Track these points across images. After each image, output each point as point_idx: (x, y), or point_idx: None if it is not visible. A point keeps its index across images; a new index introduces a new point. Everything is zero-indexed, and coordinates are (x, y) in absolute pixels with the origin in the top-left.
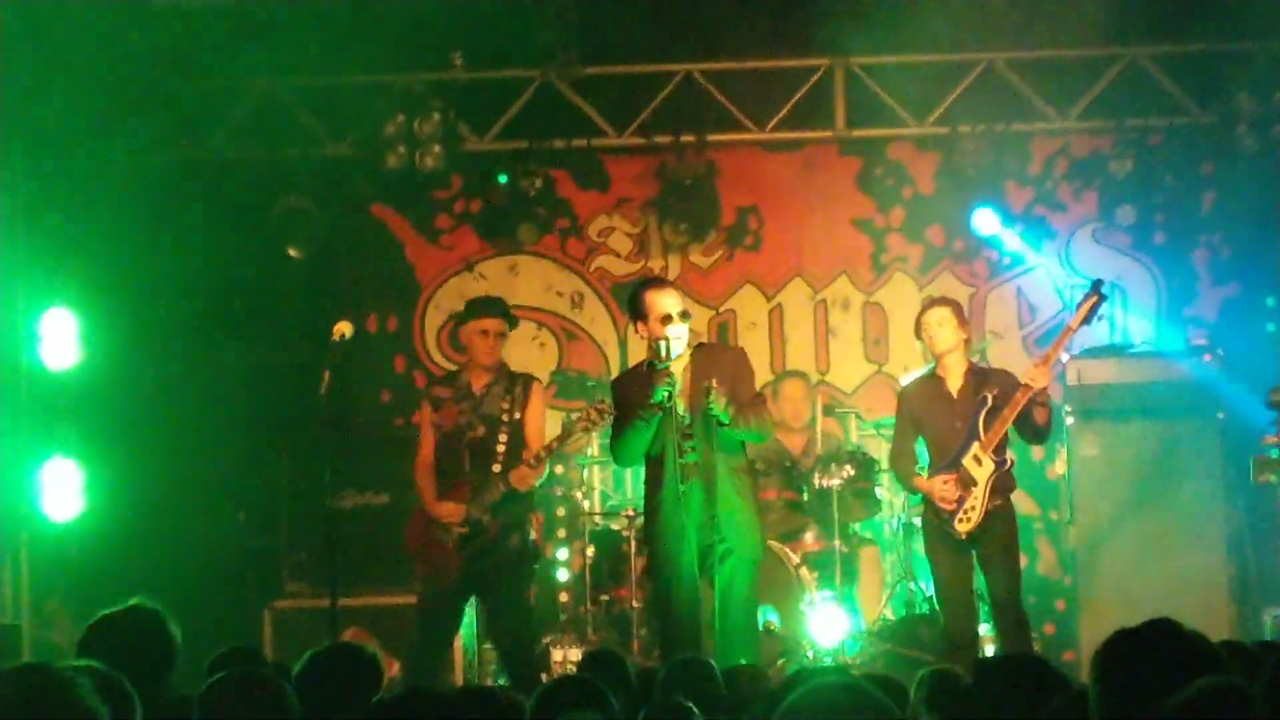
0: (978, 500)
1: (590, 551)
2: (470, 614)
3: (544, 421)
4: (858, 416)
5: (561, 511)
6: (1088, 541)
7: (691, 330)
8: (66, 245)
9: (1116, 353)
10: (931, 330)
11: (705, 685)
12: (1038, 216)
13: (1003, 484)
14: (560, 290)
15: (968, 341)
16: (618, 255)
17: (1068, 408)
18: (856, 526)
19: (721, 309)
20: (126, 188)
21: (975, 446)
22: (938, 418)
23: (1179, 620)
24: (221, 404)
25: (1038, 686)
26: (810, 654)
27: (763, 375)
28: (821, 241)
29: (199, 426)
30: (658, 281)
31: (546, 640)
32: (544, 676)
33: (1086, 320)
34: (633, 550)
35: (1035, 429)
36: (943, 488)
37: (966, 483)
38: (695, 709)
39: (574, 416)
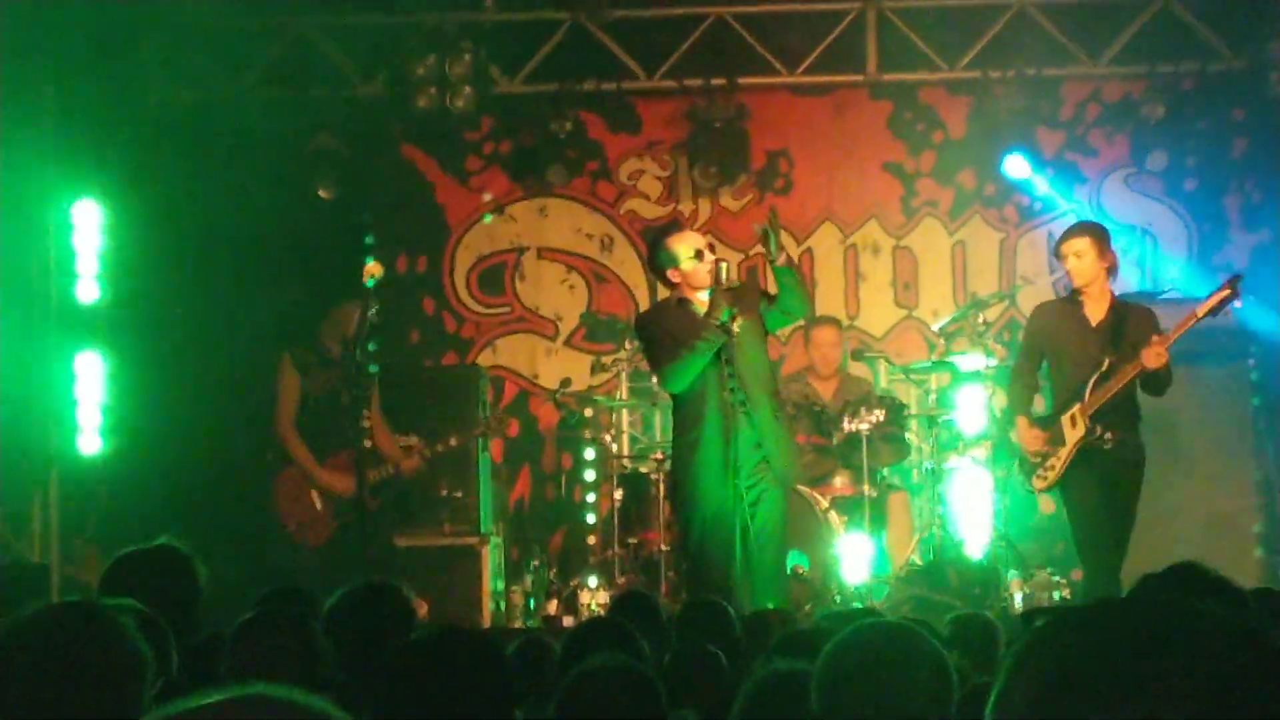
0: (1059, 461)
1: (618, 495)
2: (499, 558)
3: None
4: (887, 361)
5: (590, 454)
6: None
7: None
8: (92, 179)
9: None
10: (1069, 264)
11: (721, 629)
12: (1069, 161)
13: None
14: (590, 233)
15: (1110, 270)
16: (648, 198)
17: None
18: (885, 471)
19: (751, 252)
20: (157, 126)
21: (1076, 407)
22: (1071, 342)
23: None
24: (252, 342)
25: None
26: (838, 597)
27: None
28: (852, 185)
29: (230, 364)
30: (675, 226)
31: (574, 583)
32: (569, 619)
33: (1214, 311)
34: (661, 494)
35: (1154, 389)
36: (1031, 438)
37: (1055, 440)
38: (720, 653)
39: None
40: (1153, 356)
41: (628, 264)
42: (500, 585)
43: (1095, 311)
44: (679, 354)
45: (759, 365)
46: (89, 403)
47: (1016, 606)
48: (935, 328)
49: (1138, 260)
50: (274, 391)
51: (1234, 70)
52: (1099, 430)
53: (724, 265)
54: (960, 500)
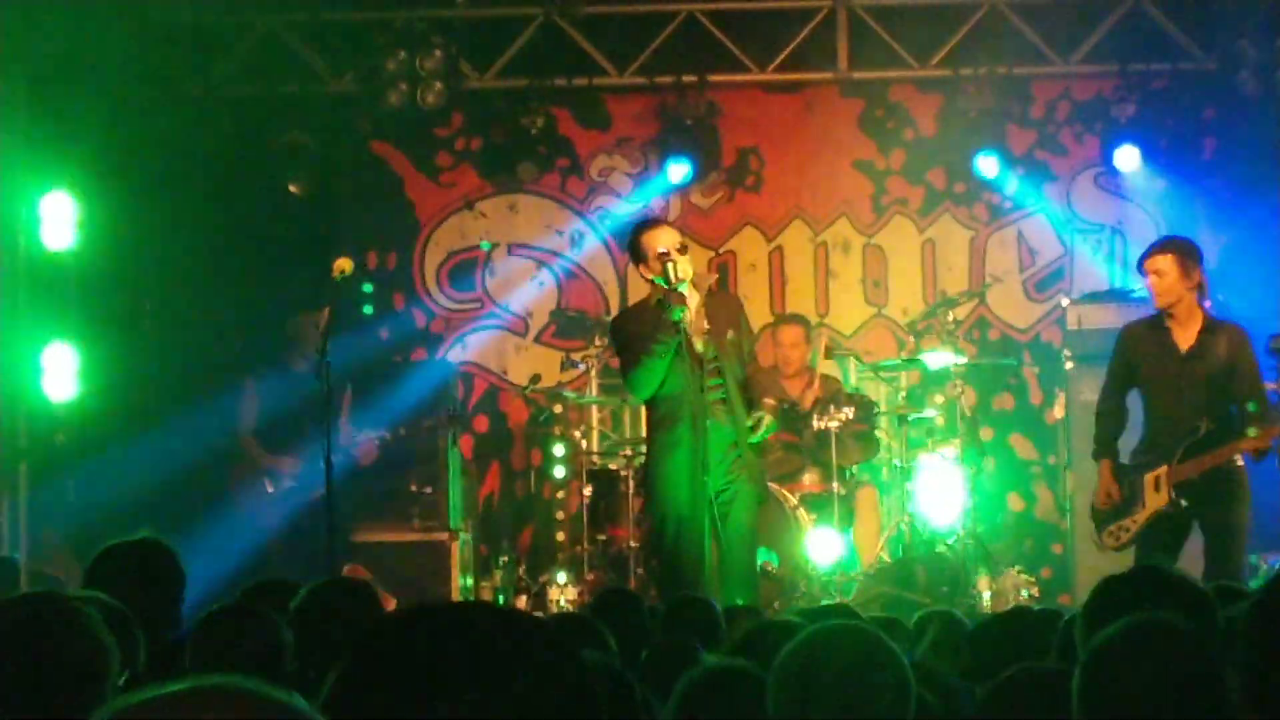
0: (1135, 524)
1: (588, 491)
2: (468, 554)
3: None
4: (857, 359)
5: (560, 450)
6: (1085, 486)
7: (699, 275)
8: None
9: (1117, 298)
10: (1150, 281)
11: (707, 625)
12: (1039, 160)
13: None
14: (560, 229)
15: (1199, 287)
16: (618, 195)
17: (1067, 352)
18: (854, 469)
19: (721, 250)
20: (127, 121)
21: (1163, 469)
22: (1160, 373)
23: (1177, 565)
24: (221, 342)
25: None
26: (806, 595)
27: (762, 317)
28: (822, 183)
29: (200, 367)
30: (652, 221)
31: (543, 579)
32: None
33: None
34: (630, 490)
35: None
36: (1106, 492)
37: (1133, 500)
38: (699, 648)
39: None
40: (1254, 450)
41: (598, 260)
42: (469, 581)
43: (1184, 336)
44: (639, 360)
45: (734, 363)
46: (58, 394)
47: (985, 604)
48: (905, 325)
49: (1106, 259)
50: (237, 405)
51: (1204, 70)
52: (1182, 503)
53: (669, 266)
54: (929, 498)
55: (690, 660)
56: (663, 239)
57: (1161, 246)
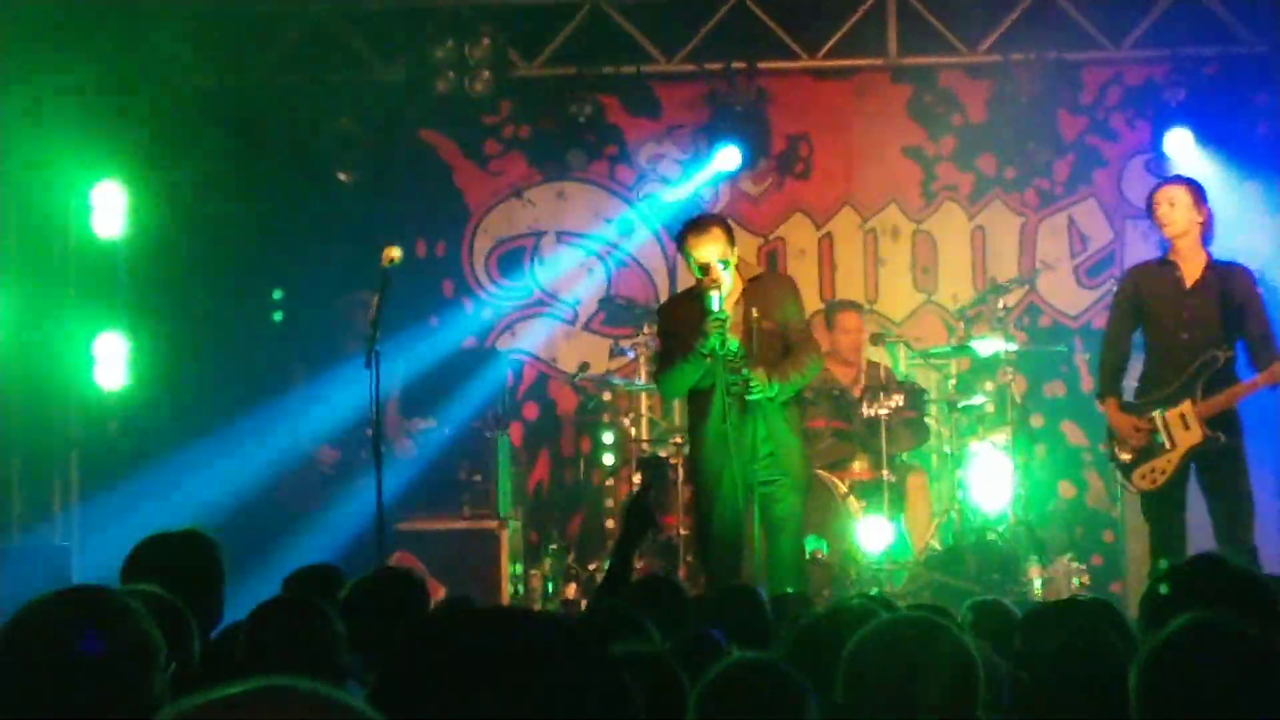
0: (1170, 464)
1: (638, 478)
2: (518, 542)
3: None
4: (906, 345)
5: (609, 438)
6: None
7: (744, 262)
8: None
9: None
10: (1161, 211)
11: (750, 612)
12: (1090, 146)
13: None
14: (609, 217)
15: (1204, 226)
16: (667, 182)
17: None
18: (905, 455)
19: (771, 237)
20: (177, 109)
21: (1187, 405)
22: (1165, 305)
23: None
24: (270, 332)
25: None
26: (856, 584)
27: (812, 304)
28: (871, 169)
29: (247, 358)
30: (697, 225)
31: (592, 566)
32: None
33: None
34: (680, 478)
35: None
36: (1130, 431)
37: (1159, 440)
38: (726, 639)
39: None
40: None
41: (647, 248)
42: (519, 569)
43: (1190, 271)
44: (672, 363)
45: (766, 350)
46: (109, 383)
47: (1036, 592)
48: (955, 311)
49: (1158, 245)
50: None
51: (1256, 54)
52: (1216, 436)
53: (711, 296)
54: (980, 485)
55: (713, 650)
56: (703, 250)
57: (1173, 180)
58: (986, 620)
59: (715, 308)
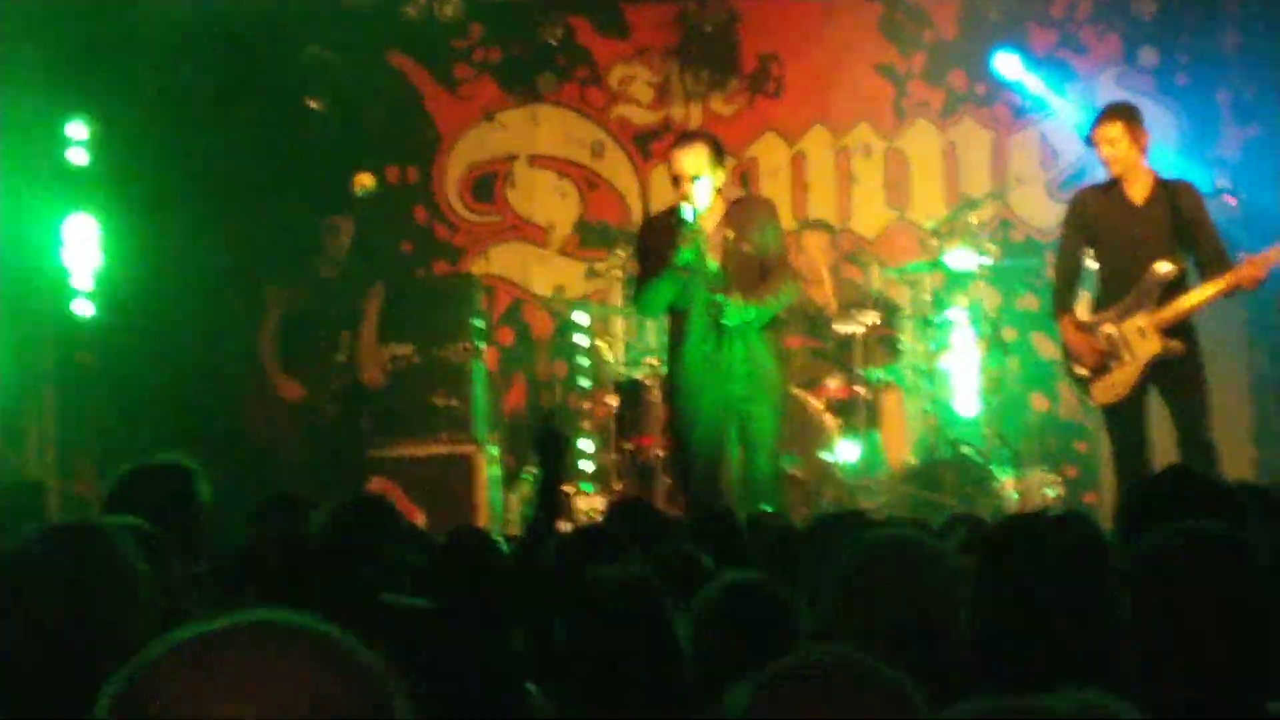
0: (1131, 376)
1: (614, 401)
2: (495, 466)
3: None
4: (880, 263)
5: (584, 361)
6: None
7: (728, 185)
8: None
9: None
10: (1104, 151)
11: (727, 533)
12: (1060, 59)
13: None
14: (581, 140)
15: (1145, 147)
16: (638, 104)
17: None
18: (880, 372)
19: (743, 156)
20: (144, 39)
21: (1143, 317)
22: (1116, 225)
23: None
24: (242, 259)
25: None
26: (833, 500)
27: (785, 223)
28: (843, 88)
29: (220, 284)
30: (682, 139)
31: (571, 490)
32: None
33: None
34: (657, 399)
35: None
36: (1085, 350)
37: (1118, 354)
38: (707, 558)
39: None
40: (1247, 276)
41: (620, 170)
42: (497, 493)
43: (1137, 191)
44: (647, 281)
45: (745, 274)
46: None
47: (1011, 504)
48: (928, 227)
49: None
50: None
51: None
52: (1175, 346)
53: (685, 206)
54: (954, 400)
55: (698, 571)
56: (681, 162)
57: (1108, 115)
58: (962, 534)
59: (688, 218)
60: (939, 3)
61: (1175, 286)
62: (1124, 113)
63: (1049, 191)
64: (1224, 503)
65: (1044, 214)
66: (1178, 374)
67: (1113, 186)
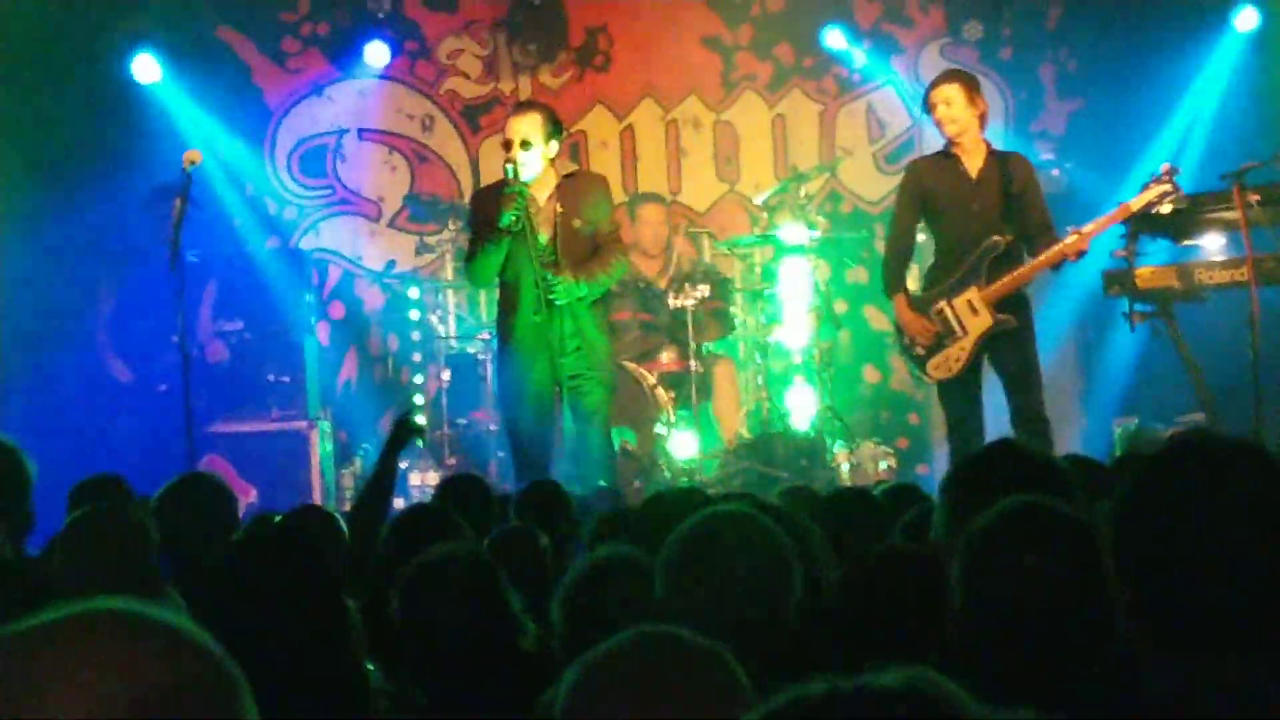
0: (964, 351)
1: (446, 375)
2: (328, 442)
3: None
4: (711, 236)
5: (416, 335)
6: None
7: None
8: None
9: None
10: (939, 113)
11: (558, 508)
12: (886, 32)
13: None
14: (410, 113)
15: (983, 117)
16: (467, 77)
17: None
18: (712, 345)
19: (572, 129)
20: None
21: (973, 292)
22: (952, 198)
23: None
24: (67, 235)
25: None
26: (667, 473)
27: (616, 196)
28: (671, 61)
29: (41, 258)
30: (518, 106)
31: (404, 465)
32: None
33: (1149, 206)
34: (489, 373)
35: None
36: (919, 329)
37: (951, 330)
38: (542, 532)
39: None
40: (1072, 249)
41: (449, 143)
42: (330, 469)
43: (973, 163)
44: (474, 250)
45: (576, 249)
46: None
47: (843, 476)
48: (757, 201)
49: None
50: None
51: None
52: (1007, 320)
53: (509, 167)
54: (785, 372)
55: (534, 547)
56: (512, 127)
57: (946, 76)
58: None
59: (509, 178)
60: None
61: (1005, 259)
62: (962, 76)
63: (876, 163)
64: (1050, 478)
65: (872, 186)
66: (1010, 346)
67: (948, 158)
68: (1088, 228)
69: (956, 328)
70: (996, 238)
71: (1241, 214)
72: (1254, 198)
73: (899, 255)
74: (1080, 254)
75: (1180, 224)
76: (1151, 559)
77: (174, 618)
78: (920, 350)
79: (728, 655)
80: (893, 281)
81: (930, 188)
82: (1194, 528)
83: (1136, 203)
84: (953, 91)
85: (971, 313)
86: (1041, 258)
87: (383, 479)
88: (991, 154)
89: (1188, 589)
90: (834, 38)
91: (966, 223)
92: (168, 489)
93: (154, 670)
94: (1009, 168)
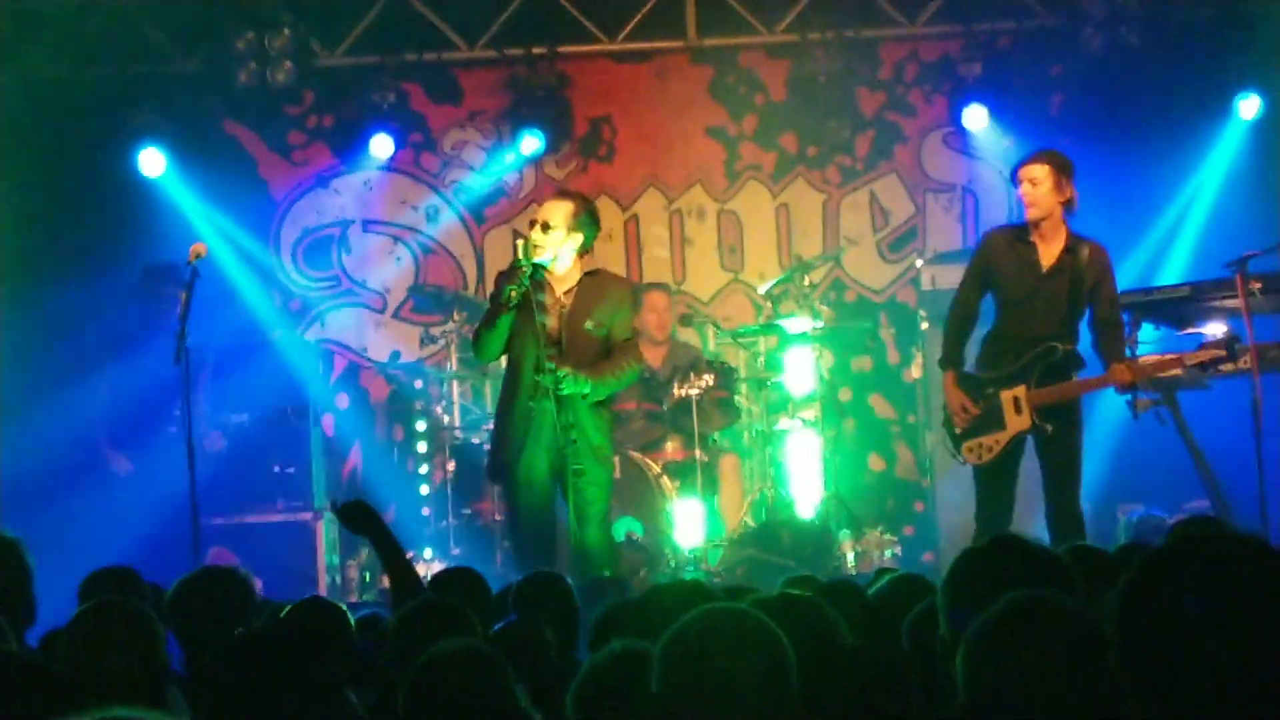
0: (997, 444)
1: (451, 466)
2: (333, 533)
3: None
4: (715, 325)
5: (422, 425)
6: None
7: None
8: None
9: (970, 257)
10: (1023, 190)
11: (560, 599)
12: (889, 121)
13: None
14: (415, 204)
15: (1067, 205)
16: (472, 168)
17: (922, 312)
18: (716, 435)
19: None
20: None
21: (1021, 390)
22: (1017, 286)
23: (1033, 521)
24: (70, 328)
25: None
26: (672, 563)
27: None
28: (675, 151)
29: (45, 354)
30: (555, 191)
31: (410, 555)
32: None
33: (1202, 366)
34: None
35: None
36: (958, 409)
37: (992, 421)
38: (548, 630)
39: None
40: (1119, 376)
41: (454, 234)
42: (335, 560)
43: (1048, 251)
44: (480, 322)
45: (584, 348)
46: None
47: (849, 565)
48: (761, 291)
49: (958, 218)
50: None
51: (1049, 27)
52: (1047, 427)
53: (519, 243)
54: (791, 461)
55: (539, 642)
56: (542, 208)
57: (1038, 156)
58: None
59: (519, 255)
60: (769, 66)
61: (1059, 367)
62: (1055, 159)
63: (880, 252)
64: (1049, 571)
65: (876, 274)
66: (1055, 444)
67: (1022, 242)
68: (1140, 364)
69: (998, 419)
70: (1055, 344)
71: (1244, 302)
72: (1256, 285)
73: (958, 328)
74: (1126, 387)
75: (1183, 312)
76: (1155, 653)
77: None
78: (960, 428)
79: None
80: (948, 354)
81: (999, 269)
82: (1197, 623)
83: (1192, 358)
84: (1041, 172)
85: (1015, 410)
86: (1091, 382)
87: (393, 572)
88: (1069, 242)
89: (1192, 684)
90: (974, 118)
91: (1029, 317)
92: (186, 581)
93: None
94: (1083, 261)
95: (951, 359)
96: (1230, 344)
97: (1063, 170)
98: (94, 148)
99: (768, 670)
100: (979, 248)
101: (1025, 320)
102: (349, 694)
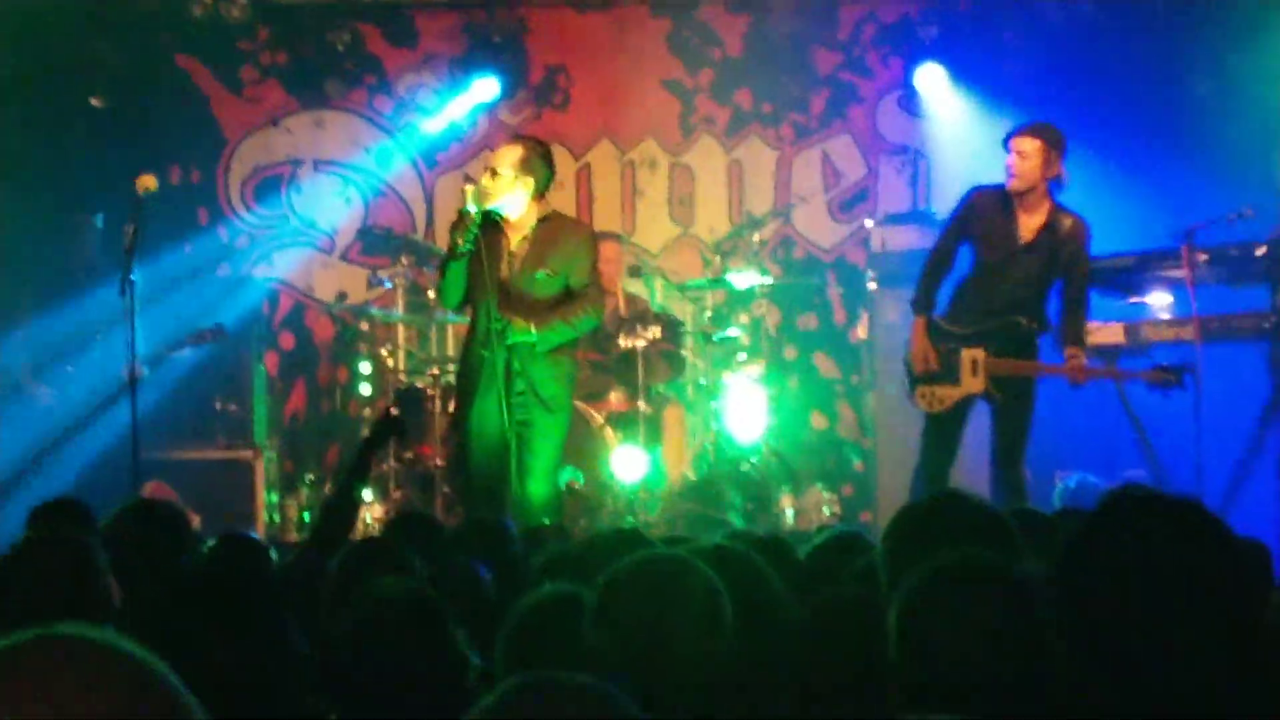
0: (949, 398)
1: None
2: (273, 472)
3: None
4: (663, 277)
5: (366, 368)
6: (887, 404)
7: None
8: None
9: (920, 220)
10: (1011, 159)
11: (500, 544)
12: (845, 81)
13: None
14: (367, 146)
15: (1054, 182)
16: (426, 112)
17: (870, 273)
18: (661, 387)
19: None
20: None
21: (981, 353)
22: (995, 252)
23: (974, 482)
24: (13, 260)
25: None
26: (612, 513)
27: None
28: (630, 102)
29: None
30: (512, 136)
31: None
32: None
33: (1152, 386)
34: (437, 409)
35: None
36: (919, 358)
37: (949, 374)
38: (486, 570)
39: None
40: (1071, 374)
41: (405, 178)
42: (274, 498)
43: (1029, 223)
44: (438, 268)
45: (536, 295)
46: None
47: (788, 521)
48: (711, 244)
49: (910, 181)
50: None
51: None
52: (997, 396)
53: (467, 189)
54: (734, 416)
55: (477, 585)
56: (495, 156)
57: (1031, 128)
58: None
59: (467, 206)
60: (726, 21)
61: (1021, 341)
62: (1047, 133)
63: (830, 211)
64: (994, 530)
65: (825, 233)
66: (1006, 416)
67: (1006, 211)
68: (1091, 370)
69: (954, 374)
70: (1020, 320)
71: (1189, 273)
72: (1202, 257)
73: (933, 274)
74: (1077, 384)
75: (1129, 281)
76: (1090, 614)
77: (136, 647)
78: (919, 370)
79: (616, 698)
80: (920, 298)
81: (979, 229)
82: (1130, 584)
83: (1146, 376)
84: (1030, 146)
85: (972, 372)
86: (1046, 367)
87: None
88: (1050, 218)
89: (1125, 643)
90: (927, 78)
91: (1000, 283)
92: (122, 513)
93: (117, 697)
94: (1063, 236)
95: (923, 303)
96: (1180, 373)
97: (1054, 146)
98: (45, 78)
99: (702, 616)
100: (964, 201)
101: (996, 285)
102: (294, 634)
